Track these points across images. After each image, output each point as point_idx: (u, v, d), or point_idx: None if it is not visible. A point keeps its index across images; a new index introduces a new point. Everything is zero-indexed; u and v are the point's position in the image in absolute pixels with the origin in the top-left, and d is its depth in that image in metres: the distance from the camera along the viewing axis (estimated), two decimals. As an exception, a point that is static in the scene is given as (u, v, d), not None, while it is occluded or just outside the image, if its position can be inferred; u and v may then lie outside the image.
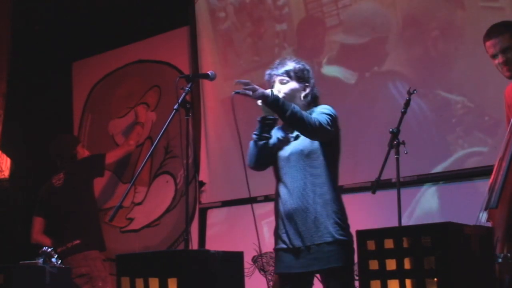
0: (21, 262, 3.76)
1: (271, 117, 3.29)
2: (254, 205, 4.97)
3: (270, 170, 3.41)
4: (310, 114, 3.26)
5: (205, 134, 5.45)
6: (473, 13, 4.26)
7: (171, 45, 5.87)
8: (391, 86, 4.58)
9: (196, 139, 5.47)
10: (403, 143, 3.50)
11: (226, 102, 5.31)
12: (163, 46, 5.92)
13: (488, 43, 3.40)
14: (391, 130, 3.52)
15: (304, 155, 3.23)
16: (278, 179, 3.32)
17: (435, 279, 2.54)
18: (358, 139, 4.58)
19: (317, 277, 3.32)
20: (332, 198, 3.21)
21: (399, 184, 3.50)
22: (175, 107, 3.23)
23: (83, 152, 5.36)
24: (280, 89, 3.30)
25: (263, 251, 4.91)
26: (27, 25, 6.27)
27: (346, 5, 4.84)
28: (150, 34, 6.00)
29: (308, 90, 3.35)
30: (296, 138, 3.29)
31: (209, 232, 5.38)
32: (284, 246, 3.24)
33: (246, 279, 3.57)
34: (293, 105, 3.15)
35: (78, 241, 4.94)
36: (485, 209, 3.26)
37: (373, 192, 3.49)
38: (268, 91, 3.16)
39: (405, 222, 3.73)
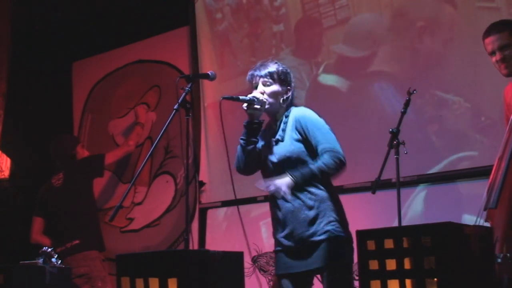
0: (21, 262, 3.76)
1: (257, 121, 3.29)
2: (253, 205, 5.02)
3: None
4: (287, 117, 3.28)
5: (205, 134, 5.45)
6: (470, 13, 4.27)
7: (171, 45, 5.87)
8: (390, 86, 4.58)
9: (196, 139, 5.47)
10: (403, 143, 3.50)
11: (222, 102, 5.32)
12: (163, 46, 5.91)
13: (487, 40, 3.42)
14: (391, 130, 3.52)
15: (293, 159, 3.22)
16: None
17: (435, 279, 2.54)
18: (358, 139, 4.58)
19: (317, 277, 3.32)
20: (327, 197, 3.21)
21: (399, 184, 3.50)
22: (175, 107, 3.24)
23: (82, 152, 5.36)
24: (264, 91, 3.30)
25: (262, 251, 4.92)
26: (27, 25, 6.27)
27: (343, 5, 4.84)
28: (150, 34, 6.00)
29: (289, 93, 3.35)
30: (277, 142, 3.28)
31: (209, 232, 5.38)
32: (282, 247, 3.25)
33: (246, 279, 3.58)
34: (310, 167, 3.14)
35: (77, 241, 4.94)
36: (485, 209, 3.26)
37: (373, 192, 3.49)
38: (289, 180, 3.13)
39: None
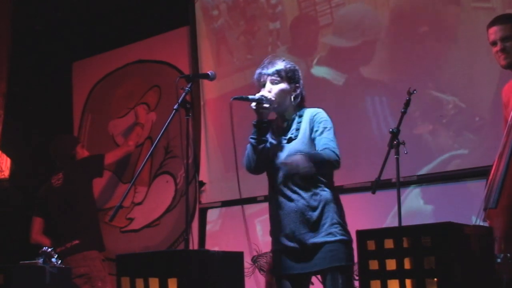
0: (21, 262, 3.76)
1: (266, 120, 3.28)
2: (247, 204, 5.03)
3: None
4: (300, 117, 3.27)
5: (205, 134, 5.45)
6: (465, 13, 4.28)
7: (171, 45, 5.87)
8: (389, 86, 4.59)
9: (196, 139, 5.47)
10: (403, 143, 3.50)
11: (217, 101, 5.34)
12: (163, 46, 5.91)
13: (490, 30, 3.45)
14: (391, 130, 3.52)
15: None
16: (275, 181, 3.28)
17: (435, 279, 2.54)
18: (358, 139, 4.59)
19: (317, 277, 3.32)
20: (331, 199, 3.21)
21: (399, 184, 3.50)
22: (175, 107, 3.23)
23: (82, 153, 5.36)
24: (271, 89, 3.29)
25: (262, 251, 4.92)
26: (27, 25, 6.27)
27: (339, 4, 4.85)
28: (150, 34, 6.00)
29: (298, 91, 3.34)
30: (289, 141, 3.27)
31: (209, 232, 5.38)
32: (282, 247, 3.23)
33: (246, 279, 3.57)
34: (313, 155, 3.14)
35: (77, 241, 4.94)
36: (484, 209, 3.26)
37: (373, 192, 3.49)
38: (302, 156, 3.13)
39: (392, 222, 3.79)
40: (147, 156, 3.40)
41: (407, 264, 2.62)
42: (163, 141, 5.64)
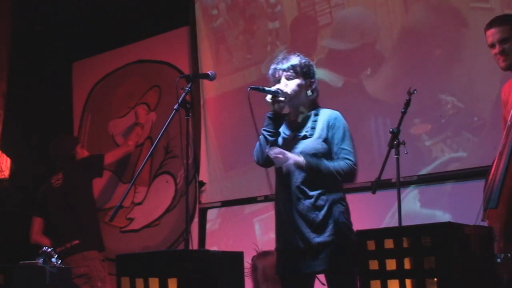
0: (21, 262, 3.76)
1: (281, 113, 3.28)
2: (246, 204, 5.03)
3: (271, 170, 3.39)
4: (316, 115, 3.26)
5: (205, 134, 5.45)
6: (464, 14, 4.27)
7: (171, 45, 5.87)
8: (388, 86, 4.59)
9: (196, 139, 5.47)
10: (403, 143, 3.49)
11: (216, 100, 5.34)
12: (163, 46, 5.91)
13: (488, 32, 3.44)
14: (391, 130, 3.52)
15: (319, 156, 3.20)
16: (283, 178, 3.27)
17: (435, 279, 2.54)
18: (358, 139, 4.58)
19: (317, 277, 3.32)
20: (339, 198, 3.21)
21: (399, 184, 3.50)
22: (175, 107, 3.23)
23: (82, 153, 5.36)
24: (287, 85, 3.27)
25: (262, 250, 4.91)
26: (27, 25, 6.27)
27: (339, 3, 4.85)
28: (150, 34, 6.00)
29: (313, 86, 3.33)
30: (304, 137, 3.26)
31: (209, 232, 5.38)
32: (288, 246, 3.22)
33: (246, 279, 3.57)
34: (325, 163, 3.15)
35: (77, 241, 4.94)
36: (485, 209, 3.26)
37: (373, 192, 3.49)
38: (302, 160, 3.14)
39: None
40: (147, 156, 3.39)
41: (407, 264, 2.62)
42: (163, 141, 5.64)
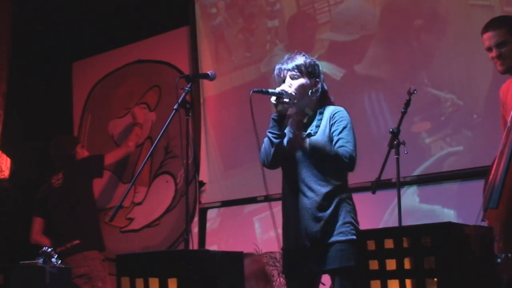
0: (21, 262, 3.76)
1: (286, 114, 3.27)
2: (247, 204, 5.03)
3: (271, 170, 3.39)
4: (321, 114, 3.27)
5: (205, 134, 5.45)
6: (463, 11, 4.27)
7: (171, 45, 5.87)
8: (383, 86, 4.59)
9: (196, 139, 5.47)
10: (403, 143, 3.49)
11: (216, 99, 5.34)
12: (163, 46, 5.92)
13: (485, 36, 3.43)
14: (391, 130, 3.52)
15: None
16: (290, 177, 3.27)
17: (435, 279, 2.54)
18: (357, 139, 4.58)
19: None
20: (346, 197, 3.21)
21: (399, 184, 3.50)
22: (175, 107, 3.23)
23: (82, 153, 5.36)
24: (291, 84, 3.27)
25: (262, 250, 4.92)
26: (27, 25, 6.27)
27: (338, 1, 4.85)
28: (150, 34, 6.00)
29: (318, 85, 3.32)
30: (309, 136, 3.25)
31: (209, 231, 5.38)
32: (295, 246, 3.21)
33: (246, 279, 3.57)
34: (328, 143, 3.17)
35: (77, 241, 4.94)
36: (485, 210, 3.26)
37: (373, 192, 3.49)
38: (306, 143, 3.17)
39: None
40: (147, 156, 3.39)
41: (407, 264, 2.62)
42: (163, 141, 5.64)
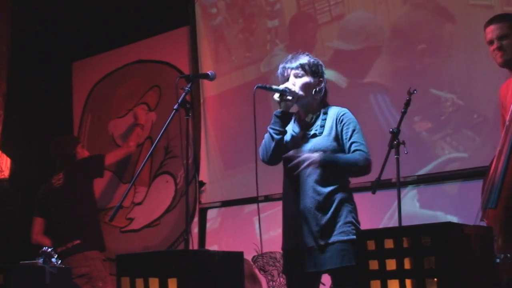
0: (21, 262, 3.76)
1: (289, 112, 3.29)
2: (247, 204, 5.03)
3: (271, 170, 3.39)
4: (325, 114, 3.27)
5: (205, 134, 5.45)
6: (463, 11, 4.28)
7: (171, 45, 5.87)
8: (385, 89, 4.59)
9: (196, 139, 5.47)
10: (403, 143, 3.50)
11: (216, 98, 5.33)
12: (163, 46, 5.91)
13: (488, 29, 3.48)
14: (391, 130, 3.52)
15: None
16: (292, 176, 3.27)
17: (435, 279, 2.54)
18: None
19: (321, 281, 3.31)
20: (347, 197, 3.22)
21: (399, 184, 3.50)
22: (175, 107, 3.23)
23: (82, 153, 5.36)
24: (295, 83, 3.28)
25: (262, 250, 4.92)
26: (27, 25, 6.27)
27: (338, 2, 4.85)
28: (150, 34, 6.00)
29: (322, 85, 3.34)
30: (314, 136, 3.27)
31: (209, 231, 5.38)
32: (296, 246, 3.21)
33: (246, 279, 3.57)
34: (344, 155, 3.18)
35: (78, 241, 4.94)
36: (484, 209, 3.26)
37: (373, 192, 3.49)
38: (316, 156, 3.16)
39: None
40: (147, 156, 3.39)
41: (407, 264, 2.62)
42: (163, 141, 5.64)
